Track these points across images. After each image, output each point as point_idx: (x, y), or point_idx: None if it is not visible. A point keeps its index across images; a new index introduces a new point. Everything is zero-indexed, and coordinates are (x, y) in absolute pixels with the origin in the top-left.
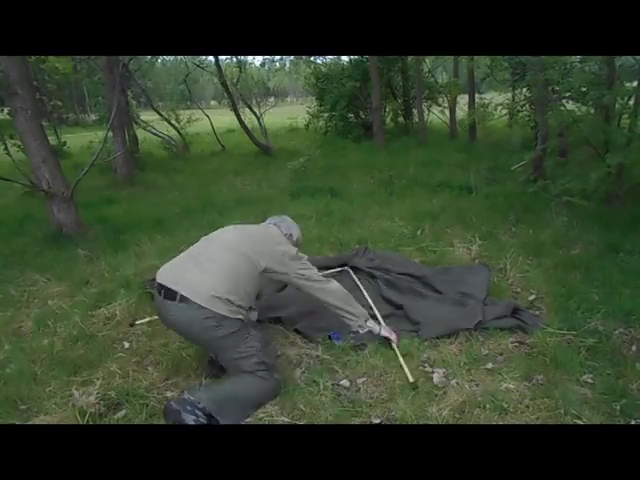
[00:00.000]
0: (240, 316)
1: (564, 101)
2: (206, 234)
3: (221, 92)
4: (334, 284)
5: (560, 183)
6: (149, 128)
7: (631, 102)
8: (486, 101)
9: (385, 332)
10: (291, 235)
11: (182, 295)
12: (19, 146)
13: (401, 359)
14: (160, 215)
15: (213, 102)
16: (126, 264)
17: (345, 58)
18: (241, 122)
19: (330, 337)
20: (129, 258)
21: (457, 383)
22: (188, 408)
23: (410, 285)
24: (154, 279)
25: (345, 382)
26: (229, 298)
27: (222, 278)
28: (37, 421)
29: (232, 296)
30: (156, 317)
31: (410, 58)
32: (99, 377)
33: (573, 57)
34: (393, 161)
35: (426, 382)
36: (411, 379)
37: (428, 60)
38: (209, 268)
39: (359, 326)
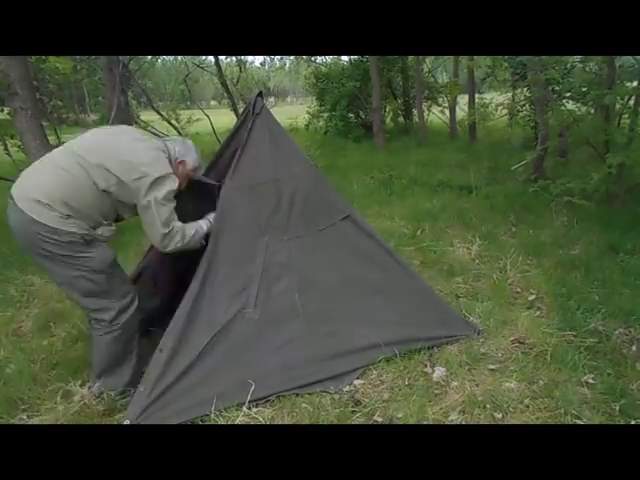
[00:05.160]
0: (74, 229)
1: (564, 101)
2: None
3: (221, 92)
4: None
5: (560, 183)
6: (149, 128)
7: (631, 102)
8: (486, 101)
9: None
10: (183, 162)
11: (12, 195)
12: (19, 146)
13: None
14: None
15: (213, 102)
16: (126, 264)
17: (345, 58)
18: None
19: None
20: (129, 258)
21: (457, 383)
22: None
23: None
24: None
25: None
26: (57, 208)
27: (55, 186)
28: (37, 421)
29: (63, 207)
30: None
31: (410, 58)
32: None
33: (573, 57)
34: (393, 161)
35: (426, 382)
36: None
37: (428, 60)
38: (47, 173)
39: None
